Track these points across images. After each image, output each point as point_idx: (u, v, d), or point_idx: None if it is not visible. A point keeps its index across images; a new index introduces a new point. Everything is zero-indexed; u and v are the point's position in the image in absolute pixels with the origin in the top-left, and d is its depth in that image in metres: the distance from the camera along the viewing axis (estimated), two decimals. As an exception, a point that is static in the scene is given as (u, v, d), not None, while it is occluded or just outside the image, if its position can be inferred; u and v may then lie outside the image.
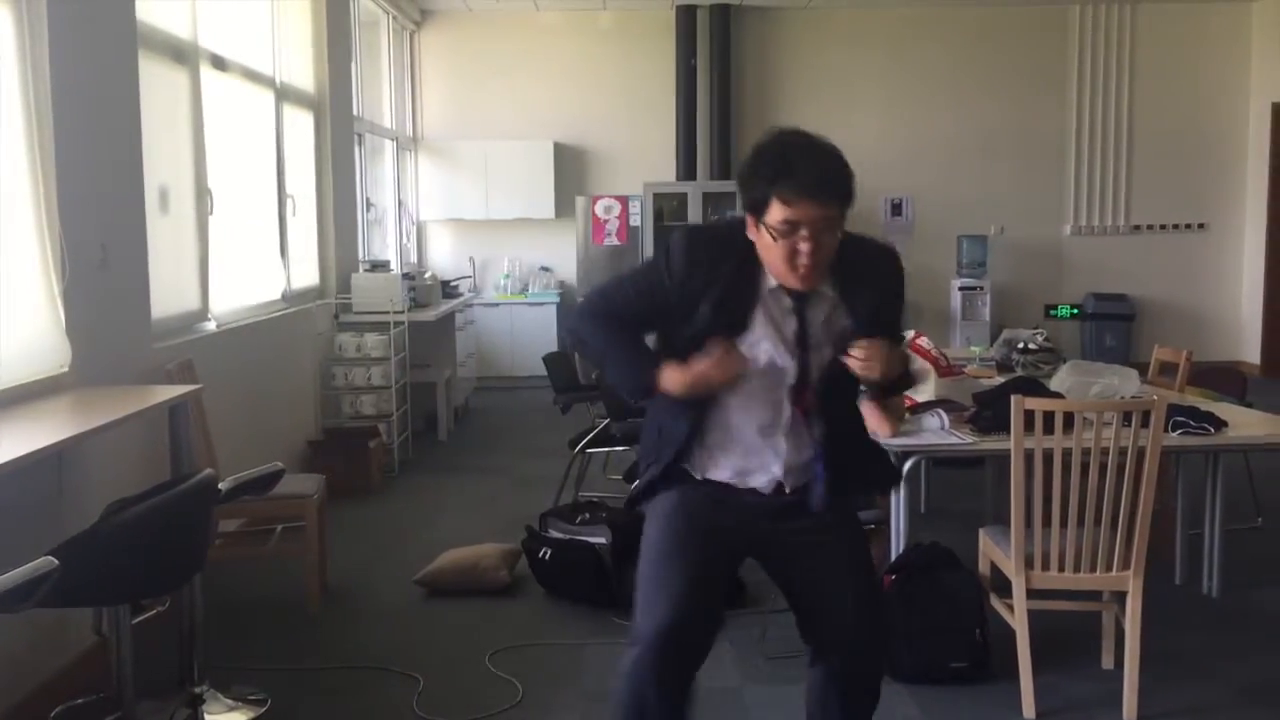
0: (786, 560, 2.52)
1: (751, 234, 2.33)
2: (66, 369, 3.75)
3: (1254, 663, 3.88)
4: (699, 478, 2.48)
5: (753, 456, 2.45)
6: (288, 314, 6.40)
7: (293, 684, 3.79)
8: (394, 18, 9.78)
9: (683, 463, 2.48)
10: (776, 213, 2.25)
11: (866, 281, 2.41)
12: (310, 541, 4.50)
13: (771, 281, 2.36)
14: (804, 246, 2.25)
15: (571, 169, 10.65)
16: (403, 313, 7.21)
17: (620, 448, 5.65)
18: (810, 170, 2.24)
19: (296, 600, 4.51)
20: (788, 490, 2.46)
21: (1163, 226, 10.79)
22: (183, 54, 5.15)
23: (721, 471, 2.47)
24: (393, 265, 8.44)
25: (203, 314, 5.27)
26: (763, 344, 2.38)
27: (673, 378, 2.38)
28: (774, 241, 2.27)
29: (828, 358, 2.40)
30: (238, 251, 5.86)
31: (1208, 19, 10.58)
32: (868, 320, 2.38)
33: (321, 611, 4.47)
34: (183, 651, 3.68)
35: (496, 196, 10.41)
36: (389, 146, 9.86)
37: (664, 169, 10.48)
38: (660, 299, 2.41)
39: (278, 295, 6.42)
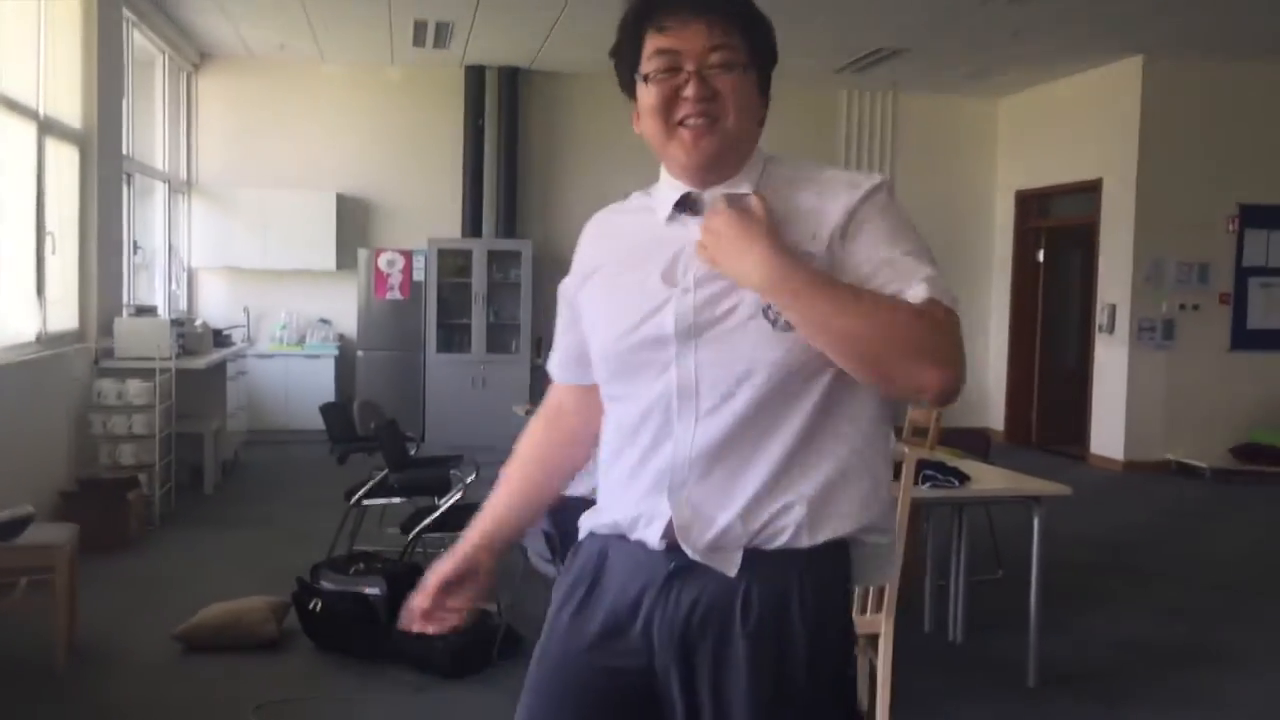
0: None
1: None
2: None
3: (992, 704, 4.17)
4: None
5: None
6: (41, 357, 6.04)
7: (33, 746, 3.55)
8: (170, 56, 9.47)
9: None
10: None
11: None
12: (59, 595, 4.23)
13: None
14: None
15: (355, 221, 10.50)
16: (169, 360, 6.92)
17: (398, 499, 5.57)
18: None
19: (40, 659, 4.21)
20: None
21: (919, 300, 11.51)
22: (-64, 76, 4.87)
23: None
24: (160, 311, 8.11)
25: (-54, 352, 4.93)
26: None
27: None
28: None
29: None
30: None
31: (960, 112, 11.49)
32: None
33: (67, 671, 4.19)
34: (-93, 713, 3.40)
35: (275, 246, 10.13)
36: (161, 189, 9.49)
37: (449, 225, 10.46)
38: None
39: (31, 337, 6.06)
